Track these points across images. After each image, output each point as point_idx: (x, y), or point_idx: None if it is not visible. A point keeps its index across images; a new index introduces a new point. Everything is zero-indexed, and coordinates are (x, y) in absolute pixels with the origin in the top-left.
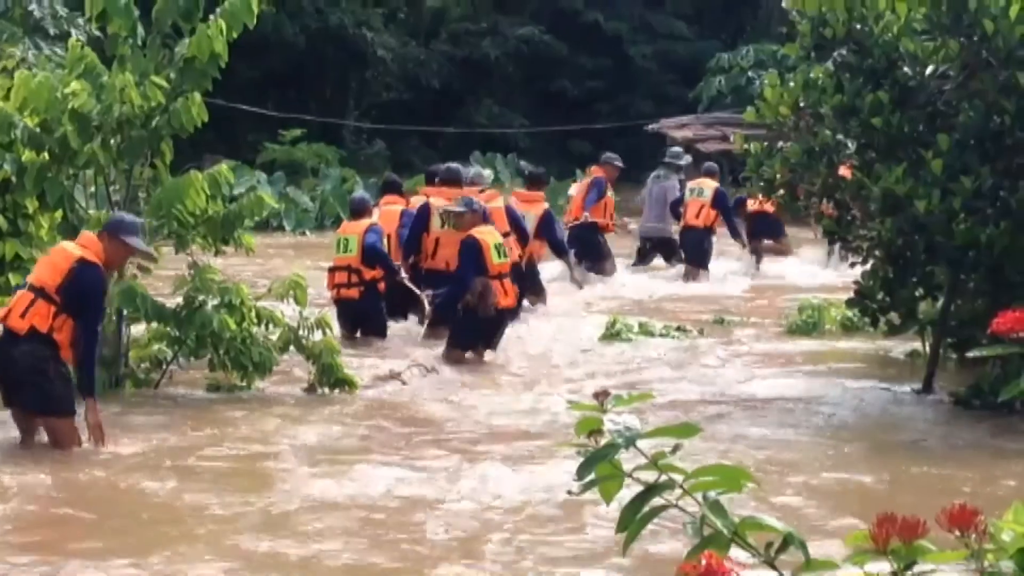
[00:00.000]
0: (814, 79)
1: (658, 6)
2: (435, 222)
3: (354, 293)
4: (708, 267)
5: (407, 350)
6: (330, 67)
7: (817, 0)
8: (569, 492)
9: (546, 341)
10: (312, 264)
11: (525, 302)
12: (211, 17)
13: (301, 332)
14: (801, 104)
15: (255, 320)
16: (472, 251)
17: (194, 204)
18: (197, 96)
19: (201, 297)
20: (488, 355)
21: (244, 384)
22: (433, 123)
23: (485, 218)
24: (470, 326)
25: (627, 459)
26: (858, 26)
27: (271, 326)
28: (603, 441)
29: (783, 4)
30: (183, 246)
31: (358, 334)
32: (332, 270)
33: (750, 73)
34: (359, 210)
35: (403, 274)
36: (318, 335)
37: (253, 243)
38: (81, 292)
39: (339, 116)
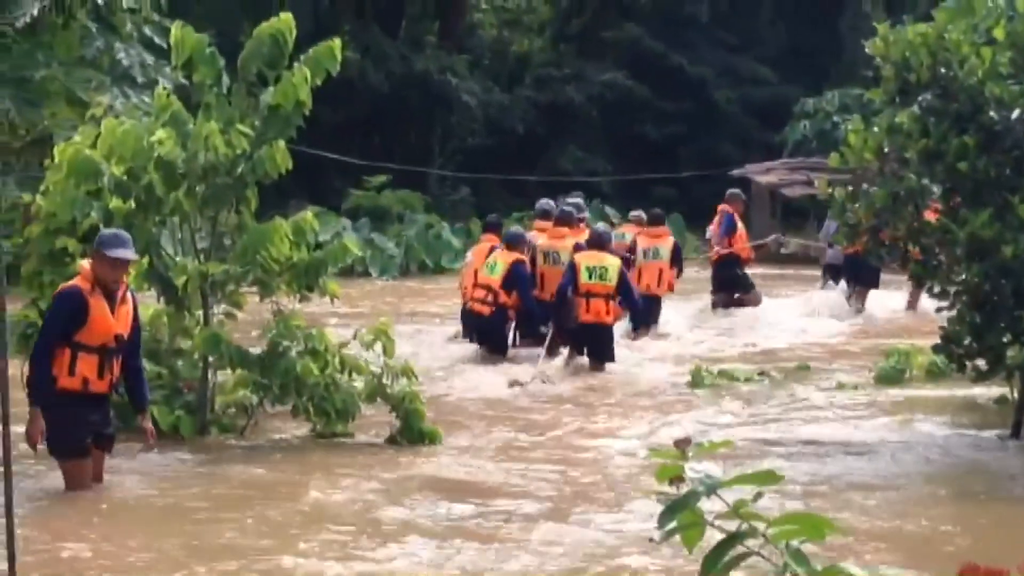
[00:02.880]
0: (899, 123)
1: (742, 50)
2: (539, 259)
3: (486, 310)
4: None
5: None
6: (414, 113)
7: (901, 45)
8: (651, 540)
9: (635, 384)
10: (401, 309)
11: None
12: (295, 64)
13: (385, 380)
14: (886, 149)
15: (338, 367)
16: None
17: (278, 251)
18: (281, 143)
19: (285, 343)
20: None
21: (328, 430)
22: (517, 168)
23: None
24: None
25: (709, 506)
26: (942, 70)
27: (355, 373)
28: (684, 489)
29: (867, 49)
30: (268, 293)
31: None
32: (473, 285)
33: (835, 117)
34: (514, 242)
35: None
36: (403, 382)
37: (338, 290)
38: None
39: (423, 162)
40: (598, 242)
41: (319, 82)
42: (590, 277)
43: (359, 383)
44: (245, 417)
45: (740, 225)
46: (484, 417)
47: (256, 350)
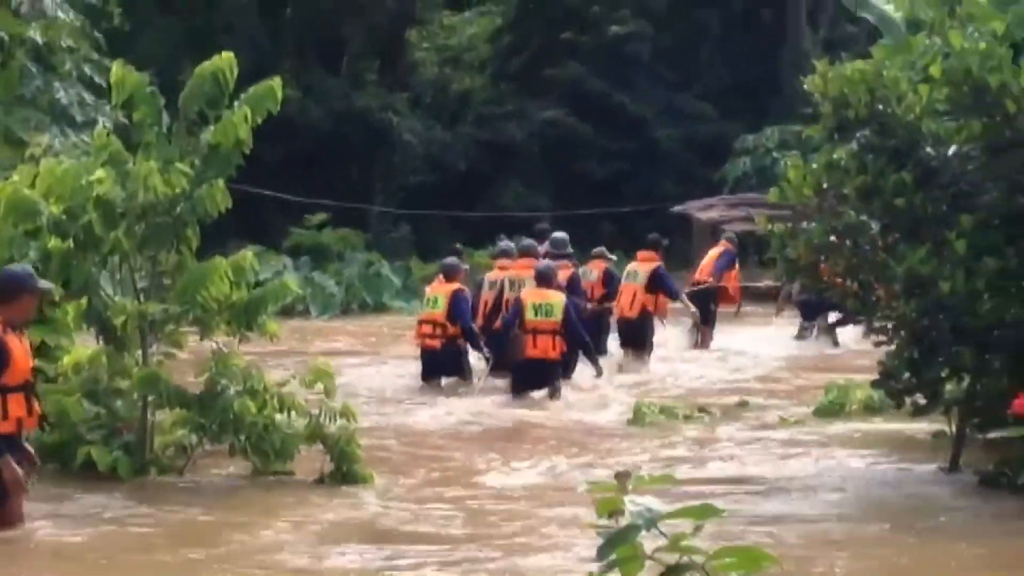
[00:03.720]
0: (837, 160)
1: (683, 88)
2: (506, 288)
3: (436, 343)
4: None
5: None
6: (356, 151)
7: (839, 82)
8: (590, 574)
9: (575, 420)
10: (339, 347)
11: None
12: (236, 103)
13: (323, 420)
14: (824, 185)
15: (276, 406)
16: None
17: (218, 290)
18: (221, 182)
19: (223, 382)
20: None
21: (268, 469)
22: (459, 206)
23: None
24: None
25: (648, 540)
26: (880, 107)
27: (292, 412)
28: (624, 522)
29: (805, 86)
30: (207, 332)
31: (442, 382)
32: (420, 322)
33: (774, 154)
34: (450, 273)
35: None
36: (341, 423)
37: (277, 329)
38: None
39: (365, 199)
40: (545, 279)
41: (260, 120)
42: (535, 314)
43: (300, 422)
44: (184, 457)
45: (736, 267)
46: (419, 456)
47: (196, 390)
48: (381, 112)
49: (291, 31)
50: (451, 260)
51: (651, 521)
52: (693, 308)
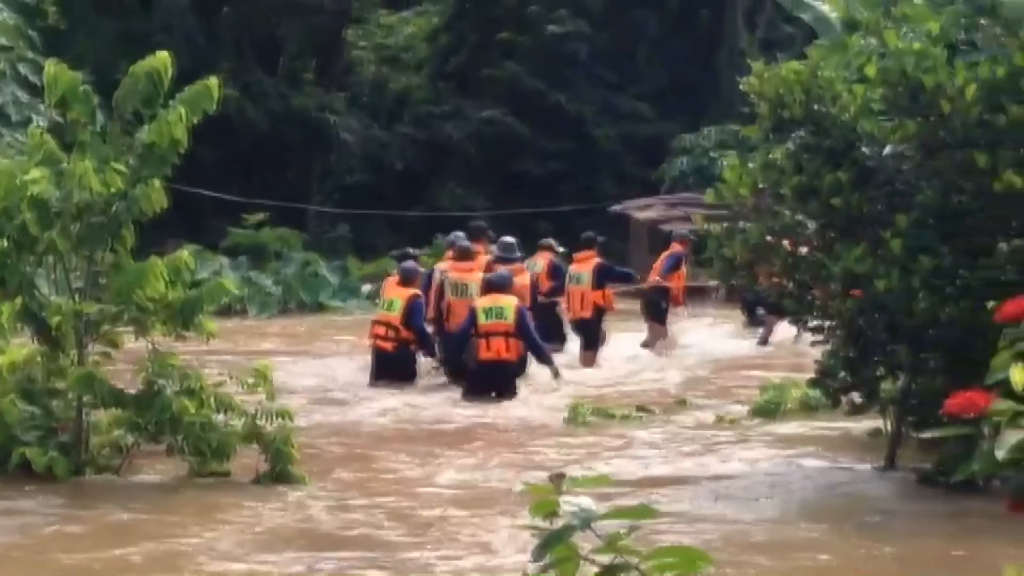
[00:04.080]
0: (773, 160)
1: (621, 88)
2: (447, 291)
3: (388, 346)
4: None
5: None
6: (293, 150)
7: (776, 82)
8: (526, 574)
9: (514, 421)
10: (276, 347)
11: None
12: (172, 103)
13: (260, 420)
14: (761, 185)
15: (214, 406)
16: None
17: (154, 290)
18: (157, 182)
19: (161, 382)
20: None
21: (205, 470)
22: (396, 205)
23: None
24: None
25: (584, 541)
26: (816, 107)
27: (230, 412)
28: (559, 523)
29: (742, 86)
30: (144, 332)
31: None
32: (374, 323)
33: (712, 154)
34: (408, 278)
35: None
36: (279, 423)
37: (214, 328)
38: None
39: (303, 199)
40: (497, 285)
41: (196, 120)
42: (487, 318)
43: (237, 422)
44: (121, 457)
45: (684, 266)
46: (353, 456)
47: (133, 390)
48: (319, 112)
49: (228, 31)
50: (410, 264)
51: (586, 522)
52: (649, 284)
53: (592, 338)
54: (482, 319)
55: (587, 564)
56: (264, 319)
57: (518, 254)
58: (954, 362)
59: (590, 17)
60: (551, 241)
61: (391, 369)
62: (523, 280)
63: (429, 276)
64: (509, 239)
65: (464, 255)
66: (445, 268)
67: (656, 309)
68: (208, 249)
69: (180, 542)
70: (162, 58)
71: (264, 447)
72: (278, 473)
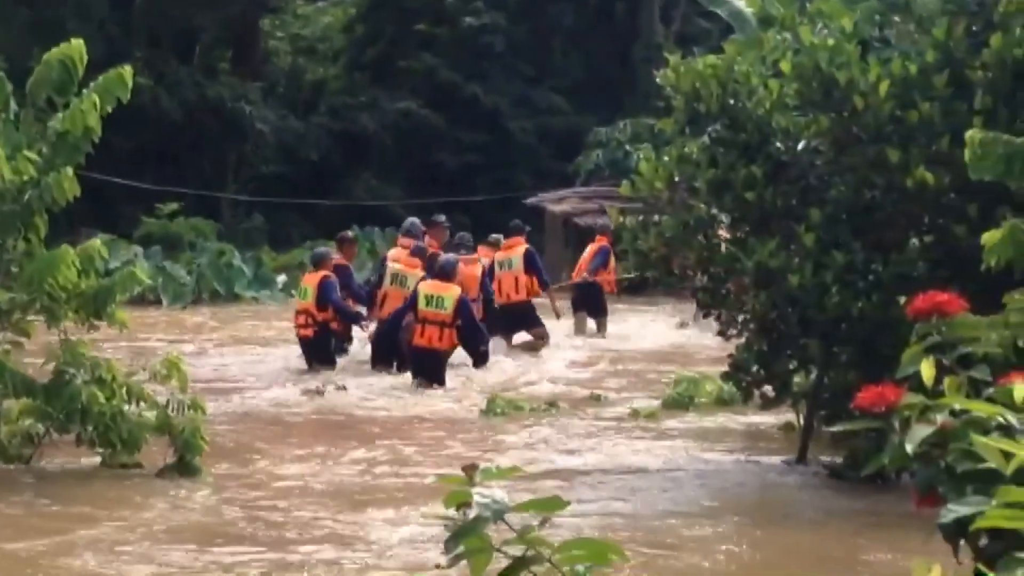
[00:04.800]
0: (688, 153)
1: (537, 81)
2: (386, 280)
3: (309, 332)
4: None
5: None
6: (208, 140)
7: (691, 76)
8: (438, 566)
9: (428, 411)
10: (189, 336)
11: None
12: (85, 91)
13: (171, 411)
14: (676, 178)
15: (125, 397)
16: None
17: (65, 279)
18: (69, 170)
19: (71, 371)
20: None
21: (115, 461)
22: (312, 196)
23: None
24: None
25: (496, 533)
26: (731, 101)
27: (142, 403)
28: (471, 514)
29: (658, 80)
30: (55, 321)
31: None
32: (295, 313)
33: (628, 147)
34: (317, 262)
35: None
36: (190, 414)
37: (126, 318)
38: None
39: (217, 189)
40: (442, 272)
41: (110, 109)
42: (427, 304)
43: (149, 413)
44: (31, 447)
45: (612, 261)
46: (260, 448)
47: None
48: (234, 102)
49: (143, 19)
50: (320, 249)
51: (498, 513)
52: (556, 304)
53: (533, 319)
54: (422, 304)
55: (500, 556)
56: (178, 309)
57: (471, 244)
58: (866, 356)
59: (507, 10)
60: (499, 238)
61: (316, 354)
62: (473, 271)
63: (383, 262)
64: (465, 233)
65: (416, 254)
66: (394, 256)
67: (594, 304)
68: (122, 238)
69: (69, 537)
70: (76, 46)
71: (173, 438)
72: (183, 466)
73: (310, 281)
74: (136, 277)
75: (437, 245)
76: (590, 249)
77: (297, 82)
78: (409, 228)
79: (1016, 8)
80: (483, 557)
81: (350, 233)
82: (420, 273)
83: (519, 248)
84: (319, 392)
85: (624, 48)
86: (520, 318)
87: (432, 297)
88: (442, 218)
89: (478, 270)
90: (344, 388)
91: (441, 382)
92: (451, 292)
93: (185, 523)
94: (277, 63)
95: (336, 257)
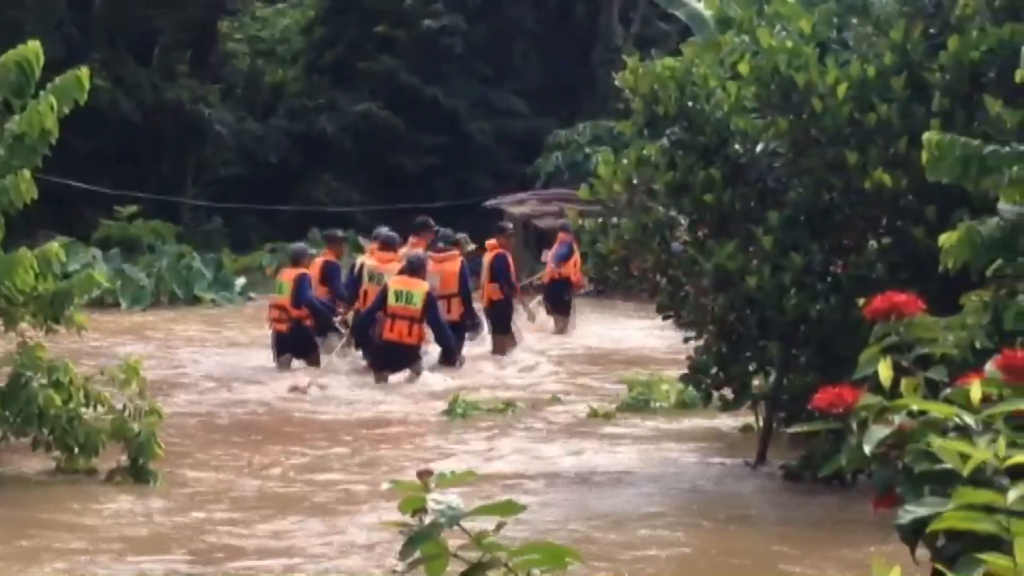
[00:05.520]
0: (647, 156)
1: (496, 83)
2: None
3: (284, 327)
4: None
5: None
6: (167, 142)
7: (650, 78)
8: (394, 572)
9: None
10: (150, 339)
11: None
12: (42, 93)
13: (128, 415)
14: (634, 181)
15: (83, 400)
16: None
17: (23, 282)
18: (27, 173)
19: (28, 374)
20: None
21: (71, 466)
22: (271, 199)
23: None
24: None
25: (452, 538)
26: (690, 104)
27: (100, 407)
28: (427, 520)
29: (617, 82)
30: (12, 324)
31: (293, 364)
32: (270, 307)
33: (587, 149)
34: (296, 259)
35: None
36: (146, 420)
37: (85, 321)
38: None
39: (176, 192)
40: (410, 268)
41: (67, 111)
42: (397, 300)
43: (106, 417)
44: None
45: (576, 254)
46: (218, 452)
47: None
48: (193, 104)
49: (101, 21)
50: (298, 245)
51: (454, 518)
52: (527, 305)
53: (505, 323)
54: (391, 300)
55: (456, 561)
56: (137, 312)
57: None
58: (824, 358)
59: (466, 12)
60: (465, 236)
61: (291, 347)
62: (452, 267)
63: (353, 267)
64: (447, 230)
65: (386, 245)
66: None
67: (559, 302)
68: (80, 241)
69: (28, 542)
70: (32, 47)
71: (127, 442)
72: (136, 470)
73: (287, 277)
74: (94, 280)
75: (424, 247)
76: (555, 248)
77: (256, 84)
78: (387, 240)
79: (973, 11)
80: (439, 562)
81: (339, 232)
82: (397, 266)
83: (492, 252)
84: (303, 391)
85: (584, 50)
86: (493, 320)
87: (401, 292)
88: (429, 221)
89: (456, 265)
90: (321, 387)
91: (417, 371)
92: (420, 288)
93: (135, 531)
94: (236, 65)
95: (324, 253)
